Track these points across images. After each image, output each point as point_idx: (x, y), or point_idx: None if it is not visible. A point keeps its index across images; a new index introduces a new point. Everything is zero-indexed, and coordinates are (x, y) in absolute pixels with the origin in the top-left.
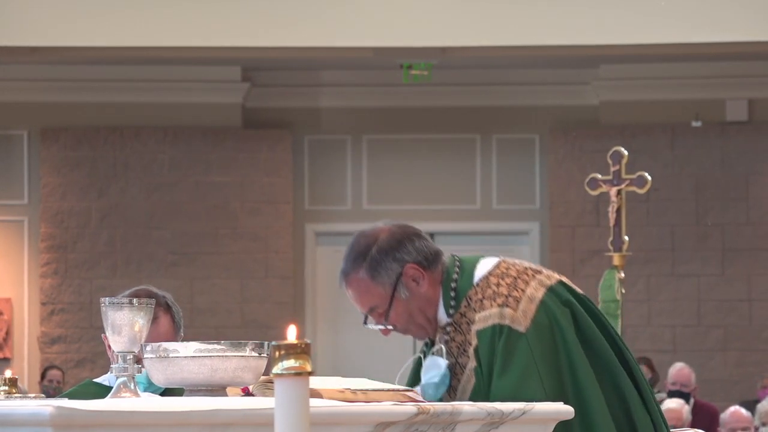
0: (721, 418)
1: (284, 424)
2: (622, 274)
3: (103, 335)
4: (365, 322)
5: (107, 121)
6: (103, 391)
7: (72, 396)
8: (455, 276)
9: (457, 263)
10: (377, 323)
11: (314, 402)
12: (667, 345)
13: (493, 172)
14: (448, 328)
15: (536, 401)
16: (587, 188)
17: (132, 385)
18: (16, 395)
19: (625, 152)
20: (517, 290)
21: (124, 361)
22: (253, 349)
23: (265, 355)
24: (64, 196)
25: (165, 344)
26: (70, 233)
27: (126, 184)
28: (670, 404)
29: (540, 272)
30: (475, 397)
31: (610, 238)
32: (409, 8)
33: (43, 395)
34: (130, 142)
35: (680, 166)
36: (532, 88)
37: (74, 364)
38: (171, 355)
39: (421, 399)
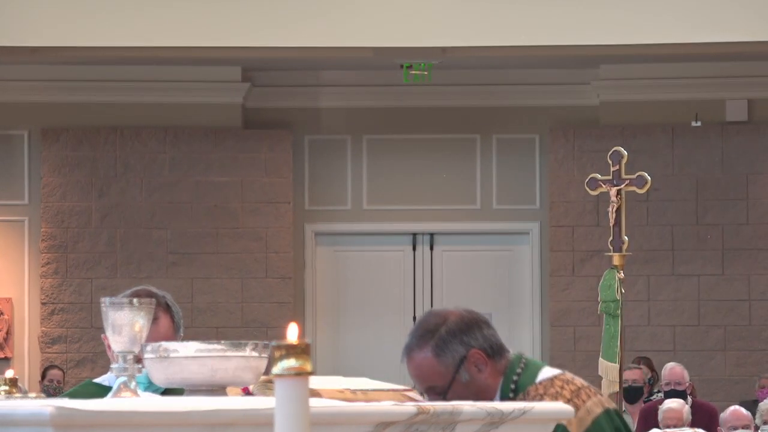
0: (721, 418)
1: (284, 424)
2: (622, 274)
3: (102, 335)
4: (423, 397)
5: (108, 121)
6: (103, 391)
7: (72, 396)
8: (519, 371)
9: (523, 360)
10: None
11: (314, 402)
12: (667, 345)
13: (493, 172)
14: None
15: None
16: (587, 188)
17: (132, 385)
18: (17, 395)
19: (625, 152)
20: (579, 399)
21: (125, 361)
22: (253, 349)
23: (265, 355)
24: (64, 196)
25: (165, 344)
26: (71, 233)
27: (126, 184)
28: (671, 404)
29: (601, 394)
30: None
31: (610, 238)
32: (409, 8)
33: (43, 395)
34: (131, 142)
35: (680, 166)
36: (532, 88)
37: (74, 364)
38: (171, 355)
39: (421, 399)
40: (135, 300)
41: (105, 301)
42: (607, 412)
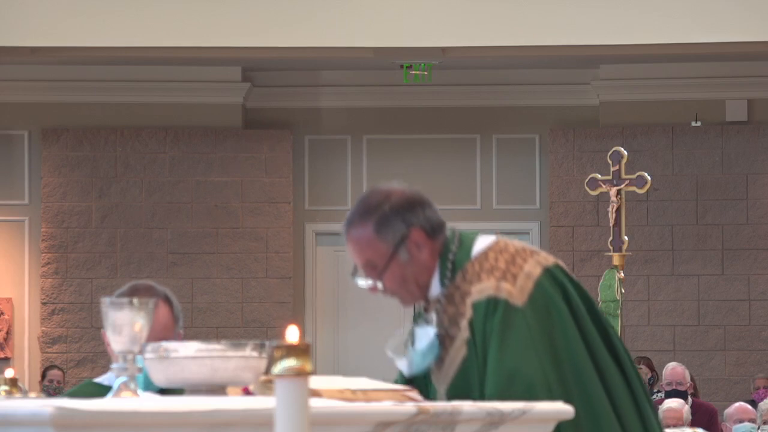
0: (725, 413)
1: (284, 424)
2: (622, 274)
3: (102, 331)
4: (354, 275)
5: (108, 121)
6: (103, 391)
7: (72, 396)
8: (453, 248)
9: (457, 236)
10: (368, 279)
11: (314, 402)
12: (667, 345)
13: (493, 172)
14: (441, 300)
15: (535, 379)
16: (587, 188)
17: (132, 385)
18: (17, 395)
19: (625, 152)
20: (515, 266)
21: (125, 360)
22: (253, 349)
23: (265, 355)
24: (64, 196)
25: (165, 344)
26: (71, 233)
27: (126, 184)
28: (671, 404)
29: (538, 253)
30: (467, 370)
31: (610, 238)
32: (409, 8)
33: (43, 395)
34: (131, 142)
35: (680, 166)
36: (532, 88)
37: (74, 364)
38: (171, 355)
39: (421, 399)
40: (135, 300)
41: (105, 301)
42: (547, 270)
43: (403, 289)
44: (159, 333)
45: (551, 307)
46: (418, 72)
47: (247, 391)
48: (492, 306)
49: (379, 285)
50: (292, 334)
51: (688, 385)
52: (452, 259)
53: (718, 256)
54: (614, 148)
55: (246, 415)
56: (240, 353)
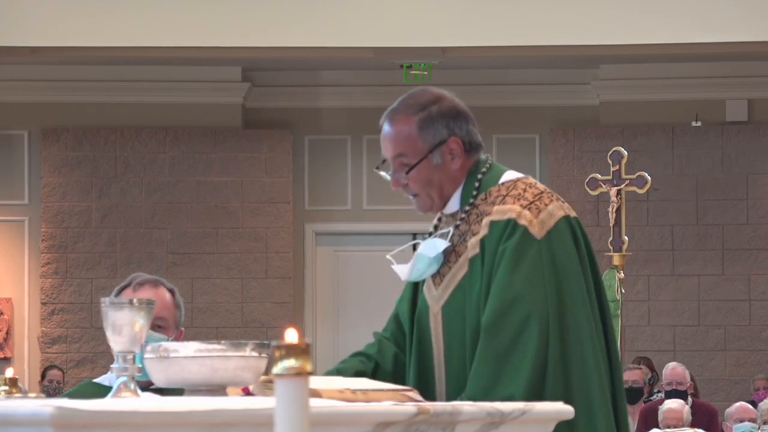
0: (726, 413)
1: (284, 424)
2: (622, 274)
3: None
4: (378, 168)
5: (107, 121)
6: (103, 391)
7: (72, 396)
8: (483, 170)
9: (489, 161)
10: (394, 172)
11: (314, 402)
12: (667, 345)
13: None
14: (458, 216)
15: (534, 310)
16: (587, 188)
17: (132, 385)
18: (17, 395)
19: (625, 152)
20: (541, 202)
21: (124, 361)
22: (253, 349)
23: (266, 355)
24: (64, 196)
25: (165, 344)
26: (71, 233)
27: (126, 184)
28: (671, 405)
29: (563, 201)
30: (464, 288)
31: (610, 238)
32: (409, 8)
33: (43, 395)
34: (131, 142)
35: (680, 166)
36: (532, 88)
37: (74, 364)
38: (171, 355)
39: (421, 399)
40: (135, 300)
41: (105, 301)
42: (568, 218)
43: (424, 192)
44: (159, 310)
45: (566, 250)
46: (418, 72)
47: (247, 391)
48: (511, 228)
49: (403, 179)
50: (292, 337)
51: (689, 385)
52: (480, 178)
53: (719, 256)
54: (614, 148)
55: (246, 415)
56: (240, 353)
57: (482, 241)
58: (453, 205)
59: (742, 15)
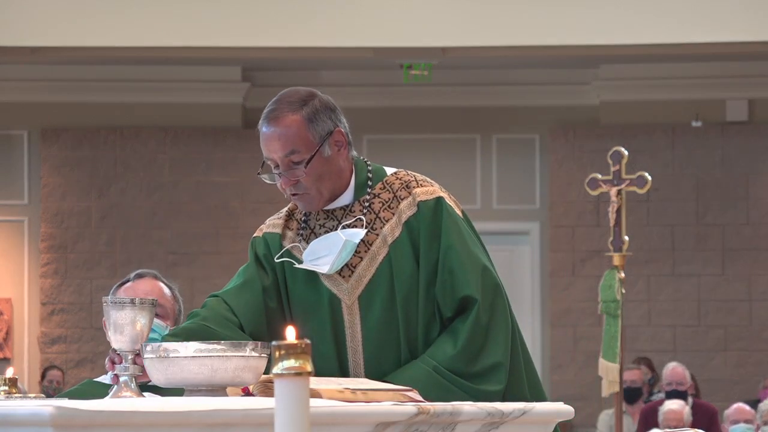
0: (725, 414)
1: (284, 424)
2: (622, 274)
3: (103, 319)
4: (259, 173)
5: (107, 121)
6: (103, 390)
7: (72, 395)
8: (369, 165)
9: (365, 159)
10: (285, 170)
11: (314, 402)
12: (667, 345)
13: (493, 172)
14: (359, 207)
15: (497, 278)
16: (587, 188)
17: (133, 384)
18: (16, 395)
19: (625, 152)
20: (443, 187)
21: (125, 360)
22: (253, 349)
23: (265, 355)
24: (64, 196)
25: (165, 344)
26: (70, 233)
27: (126, 184)
28: (671, 406)
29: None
30: (383, 272)
31: (610, 238)
32: (409, 8)
33: (43, 395)
34: (130, 142)
35: (680, 166)
36: (532, 88)
37: (74, 364)
38: (171, 355)
39: (421, 399)
40: (137, 300)
41: (106, 300)
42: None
43: (314, 187)
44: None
45: (474, 228)
46: (418, 72)
47: (247, 391)
48: (442, 206)
49: (301, 175)
50: (291, 335)
51: (689, 385)
52: (371, 170)
53: (719, 256)
54: (615, 148)
55: (246, 415)
56: (240, 353)
57: (407, 223)
58: (345, 198)
59: (742, 15)
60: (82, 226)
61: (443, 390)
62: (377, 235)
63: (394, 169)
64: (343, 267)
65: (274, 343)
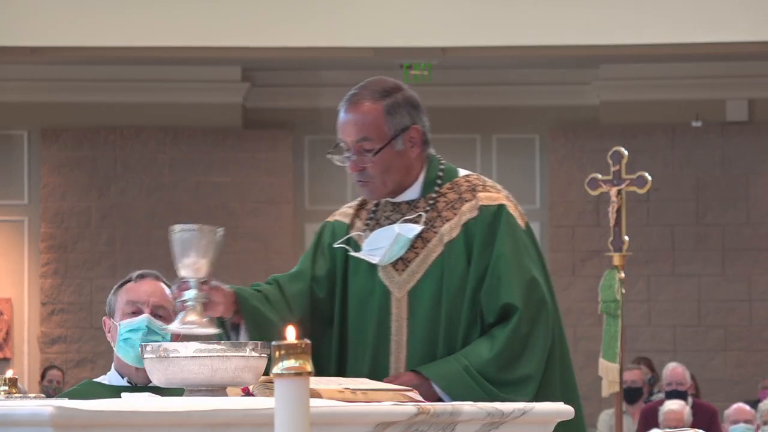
0: (725, 414)
1: (284, 424)
2: (622, 274)
3: (104, 319)
4: (330, 153)
5: (107, 121)
6: (103, 390)
7: (72, 396)
8: (442, 165)
9: (441, 159)
10: (355, 155)
11: (314, 402)
12: (667, 345)
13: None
14: (423, 204)
15: (545, 293)
16: (587, 188)
17: (199, 308)
18: (16, 395)
19: (625, 152)
20: (511, 197)
21: (192, 286)
22: (253, 349)
23: (265, 355)
24: (64, 196)
25: (165, 344)
26: (70, 233)
27: (126, 184)
28: (671, 406)
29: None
30: (435, 270)
31: (610, 238)
32: (409, 8)
33: (43, 395)
34: (130, 142)
35: (680, 166)
36: (532, 88)
37: (74, 364)
38: (171, 355)
39: (421, 399)
40: (205, 227)
41: (174, 228)
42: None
43: (380, 178)
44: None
45: (538, 244)
46: (418, 72)
47: (247, 391)
48: (503, 214)
49: (367, 162)
50: (291, 335)
51: (689, 385)
52: (443, 169)
53: (719, 256)
54: (615, 148)
55: (246, 415)
56: (240, 353)
57: (466, 225)
58: (412, 193)
59: (742, 15)
60: (82, 226)
61: (470, 391)
62: (436, 232)
63: (467, 172)
64: (398, 260)
65: (274, 343)
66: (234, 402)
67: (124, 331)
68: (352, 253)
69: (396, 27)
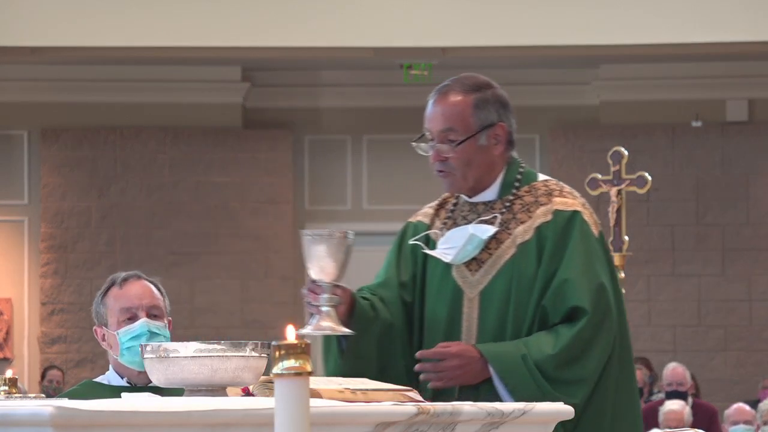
0: (725, 414)
1: (284, 424)
2: (623, 274)
3: (95, 328)
4: (416, 141)
5: (107, 121)
6: (103, 390)
7: (71, 396)
8: (522, 168)
9: (522, 162)
10: (438, 144)
11: (314, 402)
12: (667, 345)
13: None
14: (500, 206)
15: (612, 300)
16: (587, 188)
17: (333, 313)
18: (16, 395)
19: (625, 152)
20: (587, 206)
21: (326, 291)
22: (253, 349)
23: (265, 355)
24: (64, 196)
25: (165, 344)
26: (70, 233)
27: (126, 184)
28: (671, 406)
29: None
30: (507, 271)
31: (611, 238)
32: (409, 8)
33: (43, 395)
34: (130, 142)
35: (680, 166)
36: (532, 88)
37: (74, 364)
38: (171, 355)
39: (421, 399)
40: (335, 233)
41: (306, 233)
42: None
43: (461, 171)
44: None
45: (608, 253)
46: (418, 72)
47: (247, 391)
48: (577, 220)
49: (450, 152)
50: (291, 334)
51: (689, 385)
52: (522, 171)
53: (719, 256)
54: (615, 148)
55: (246, 415)
56: (240, 353)
57: (539, 228)
58: (489, 194)
59: (742, 15)
60: (82, 226)
61: (521, 380)
62: (509, 234)
63: (546, 177)
64: (471, 260)
65: (274, 342)
66: (234, 402)
67: (125, 339)
68: (426, 251)
69: (396, 27)
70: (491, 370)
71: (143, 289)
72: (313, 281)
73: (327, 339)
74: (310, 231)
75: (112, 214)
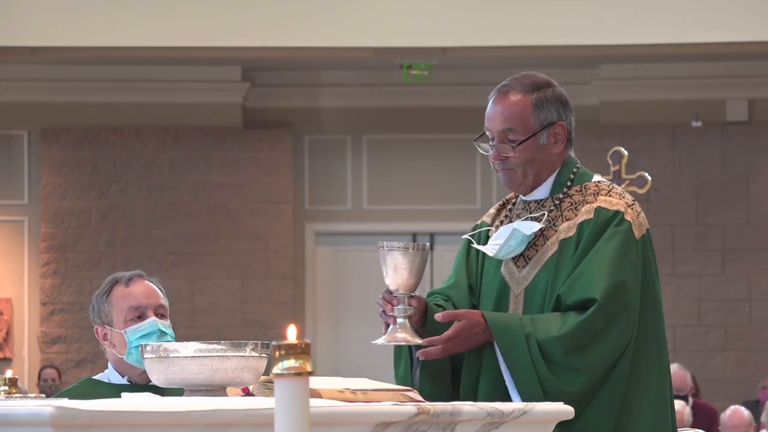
0: (721, 419)
1: (284, 424)
2: None
3: (96, 327)
4: (476, 140)
5: (107, 121)
6: (103, 389)
7: (71, 393)
8: (577, 167)
9: (579, 162)
10: (498, 144)
11: (314, 402)
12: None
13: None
14: (549, 203)
15: (633, 300)
16: None
17: (408, 324)
18: (16, 395)
19: (625, 152)
20: (636, 208)
21: (402, 302)
22: (253, 349)
23: (265, 355)
24: (64, 196)
25: (165, 344)
26: (70, 233)
27: (126, 184)
28: None
29: None
30: (550, 268)
31: None
32: (409, 8)
33: (42, 395)
34: (130, 142)
35: (680, 166)
36: None
37: (74, 364)
38: (171, 355)
39: (421, 399)
40: (412, 244)
41: (383, 244)
42: (649, 231)
43: (521, 169)
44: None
45: (650, 259)
46: (418, 72)
47: (247, 391)
48: (618, 219)
49: (510, 152)
50: (292, 334)
51: (689, 388)
52: (576, 171)
53: (719, 256)
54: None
55: (246, 415)
56: (240, 353)
57: (581, 225)
58: (541, 192)
59: (742, 15)
60: (82, 226)
61: (519, 356)
62: (555, 231)
63: (600, 178)
64: (519, 257)
65: (274, 342)
66: (234, 402)
67: (134, 338)
68: (474, 245)
69: (396, 27)
70: (495, 345)
71: (149, 289)
72: (390, 292)
73: (398, 347)
74: (387, 243)
75: (112, 214)
